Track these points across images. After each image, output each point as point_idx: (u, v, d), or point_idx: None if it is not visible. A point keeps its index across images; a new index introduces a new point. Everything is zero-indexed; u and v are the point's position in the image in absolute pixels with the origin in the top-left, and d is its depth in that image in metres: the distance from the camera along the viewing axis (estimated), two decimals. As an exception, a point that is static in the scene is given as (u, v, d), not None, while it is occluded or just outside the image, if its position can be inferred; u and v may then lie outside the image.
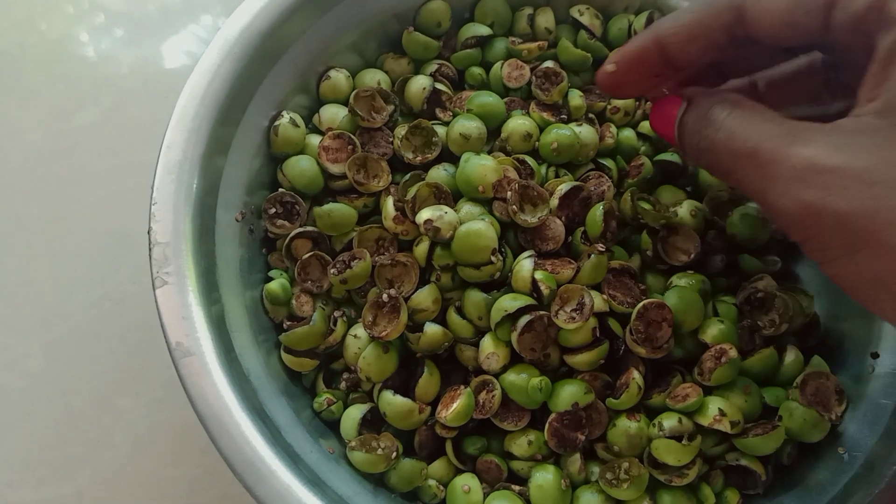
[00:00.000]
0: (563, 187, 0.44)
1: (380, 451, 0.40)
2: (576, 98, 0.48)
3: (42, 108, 0.61)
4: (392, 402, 0.41)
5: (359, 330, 0.43)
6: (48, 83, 0.62)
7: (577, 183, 0.44)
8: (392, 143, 0.47)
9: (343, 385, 0.44)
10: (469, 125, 0.45)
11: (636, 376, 0.41)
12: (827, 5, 0.31)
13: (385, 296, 0.42)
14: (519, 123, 0.47)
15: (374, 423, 0.43)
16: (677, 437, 0.39)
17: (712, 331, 0.42)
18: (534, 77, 0.49)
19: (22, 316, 0.54)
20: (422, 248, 0.43)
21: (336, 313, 0.44)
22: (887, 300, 0.29)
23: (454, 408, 0.41)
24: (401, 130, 0.47)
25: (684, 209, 0.46)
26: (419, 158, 0.46)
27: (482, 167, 0.43)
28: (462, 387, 0.42)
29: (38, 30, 0.63)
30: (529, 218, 0.42)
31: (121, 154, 0.59)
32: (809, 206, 0.29)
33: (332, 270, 0.43)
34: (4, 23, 0.64)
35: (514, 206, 0.42)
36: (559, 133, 0.45)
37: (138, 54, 0.63)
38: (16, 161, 0.59)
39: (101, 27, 0.64)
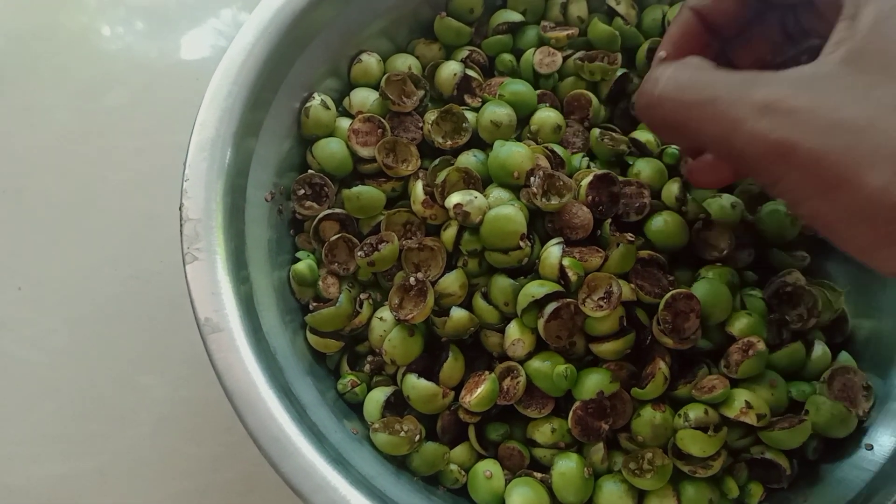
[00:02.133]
0: (591, 175, 0.44)
1: (403, 434, 0.40)
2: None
3: (70, 91, 0.61)
4: (416, 385, 0.41)
5: (385, 313, 0.43)
6: (74, 69, 0.62)
7: (606, 171, 0.44)
8: (421, 128, 0.47)
9: (367, 367, 0.44)
10: (500, 112, 0.45)
11: (662, 367, 0.40)
12: None
13: (412, 279, 0.42)
14: (549, 115, 0.47)
15: (397, 406, 0.43)
16: (703, 429, 0.39)
17: (740, 323, 0.42)
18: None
19: (48, 292, 0.55)
20: (450, 233, 0.43)
21: (362, 296, 0.44)
22: (865, 234, 0.28)
23: (478, 393, 0.41)
24: (431, 115, 0.47)
25: (725, 202, 0.45)
26: (449, 143, 0.46)
27: (518, 154, 0.43)
28: (486, 372, 0.42)
29: (62, 19, 0.64)
30: (552, 201, 0.42)
31: (149, 136, 0.59)
32: (780, 145, 0.28)
33: (359, 253, 0.43)
34: (31, 10, 0.64)
35: (534, 189, 0.42)
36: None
37: (159, 47, 0.64)
38: (46, 141, 0.59)
39: (123, 19, 0.65)
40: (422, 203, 0.44)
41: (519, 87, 0.47)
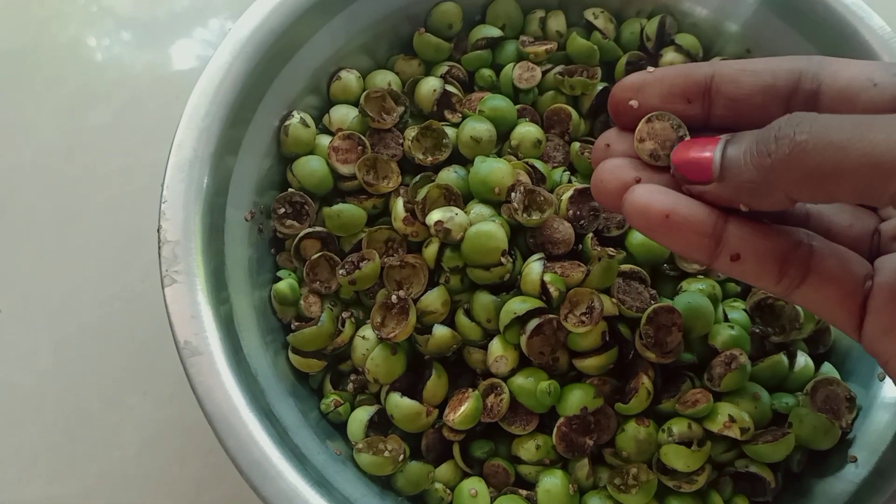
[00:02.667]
0: (572, 190, 0.44)
1: (387, 454, 0.40)
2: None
3: (55, 106, 0.61)
4: (399, 404, 0.41)
5: (367, 331, 0.43)
6: (62, 83, 0.62)
7: (587, 186, 0.44)
8: (402, 144, 0.47)
9: (350, 386, 0.44)
10: (480, 128, 0.45)
11: (645, 381, 0.40)
12: None
13: (394, 297, 0.42)
14: (529, 130, 0.47)
15: (381, 425, 0.43)
16: (687, 443, 0.39)
17: (722, 336, 0.42)
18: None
19: (31, 313, 0.54)
20: (431, 250, 0.43)
21: (344, 314, 0.44)
22: None
23: (462, 411, 0.40)
24: (411, 132, 0.47)
25: None
26: (430, 159, 0.46)
27: (499, 170, 0.43)
28: (470, 390, 0.42)
29: (51, 31, 0.64)
30: (533, 216, 0.42)
31: (132, 153, 0.59)
32: None
33: (340, 271, 0.43)
34: (18, 23, 0.64)
35: (515, 205, 0.42)
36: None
37: (147, 58, 0.64)
38: (28, 159, 0.59)
39: (111, 31, 0.64)
40: (403, 220, 0.43)
41: (499, 103, 0.47)
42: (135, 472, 0.50)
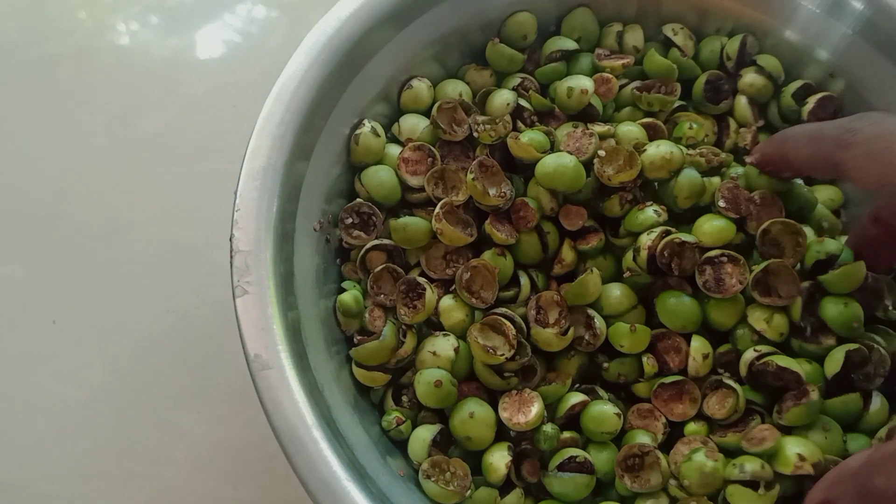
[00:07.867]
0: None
1: (453, 487, 0.39)
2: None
3: (105, 113, 0.60)
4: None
5: (437, 346, 0.42)
6: (114, 89, 0.61)
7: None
8: (472, 157, 0.46)
9: (406, 402, 0.43)
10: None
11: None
12: None
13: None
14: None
15: (443, 444, 0.42)
16: (755, 484, 0.38)
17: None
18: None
19: (83, 327, 0.53)
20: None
21: (404, 326, 0.43)
22: None
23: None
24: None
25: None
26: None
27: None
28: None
29: (96, 33, 0.64)
30: None
31: (185, 163, 0.58)
32: None
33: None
34: (67, 27, 0.64)
35: None
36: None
37: (177, 44, 0.63)
38: (81, 167, 0.58)
39: (138, 16, 0.64)
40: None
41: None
42: (187, 492, 0.49)
